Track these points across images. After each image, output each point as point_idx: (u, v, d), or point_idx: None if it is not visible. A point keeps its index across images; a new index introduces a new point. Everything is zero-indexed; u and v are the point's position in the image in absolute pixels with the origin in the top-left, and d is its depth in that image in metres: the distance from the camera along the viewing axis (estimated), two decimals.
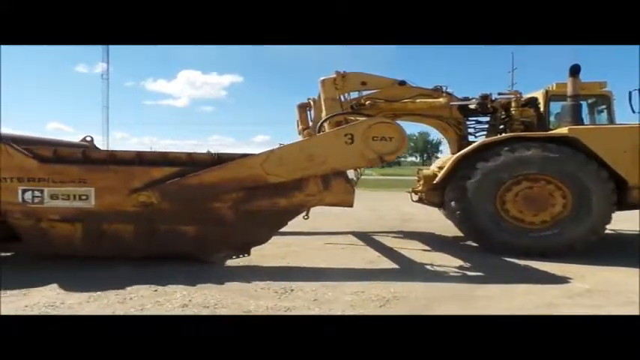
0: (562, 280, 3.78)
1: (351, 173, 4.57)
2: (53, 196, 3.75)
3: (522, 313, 2.81)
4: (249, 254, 4.12)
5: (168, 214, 3.88)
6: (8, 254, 4.24)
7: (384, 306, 3.00)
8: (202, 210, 3.93)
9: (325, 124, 4.45)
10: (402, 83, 5.46)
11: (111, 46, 34.93)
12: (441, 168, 5.61)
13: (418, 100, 5.25)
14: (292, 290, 3.34)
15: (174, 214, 3.89)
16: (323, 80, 4.43)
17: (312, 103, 6.24)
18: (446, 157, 6.10)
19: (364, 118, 4.12)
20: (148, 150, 4.12)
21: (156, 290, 3.26)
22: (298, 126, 6.49)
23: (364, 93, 5.47)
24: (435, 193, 5.33)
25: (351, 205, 4.23)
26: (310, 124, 6.42)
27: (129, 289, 3.25)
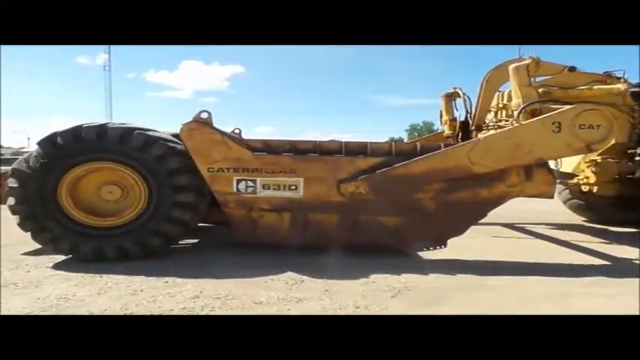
0: None
1: (551, 163, 4.37)
2: (265, 186, 3.82)
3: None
4: (445, 246, 4.02)
5: (371, 204, 3.85)
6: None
7: None
8: (404, 200, 3.87)
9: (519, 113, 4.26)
10: (572, 69, 5.17)
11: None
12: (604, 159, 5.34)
13: (595, 87, 4.94)
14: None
15: (377, 204, 3.85)
16: (517, 66, 4.25)
17: (459, 92, 6.07)
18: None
19: (571, 106, 3.90)
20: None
21: (167, 282, 3.21)
22: (442, 116, 6.33)
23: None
24: (611, 186, 5.04)
25: (551, 197, 4.05)
26: (456, 114, 6.26)
27: (138, 280, 3.22)
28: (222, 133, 3.80)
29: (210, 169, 3.77)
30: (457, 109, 6.23)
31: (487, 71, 5.38)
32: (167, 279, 3.24)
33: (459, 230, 4.04)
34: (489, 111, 5.64)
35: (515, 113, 4.14)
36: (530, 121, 3.89)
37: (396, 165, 3.78)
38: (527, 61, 4.27)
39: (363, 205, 3.86)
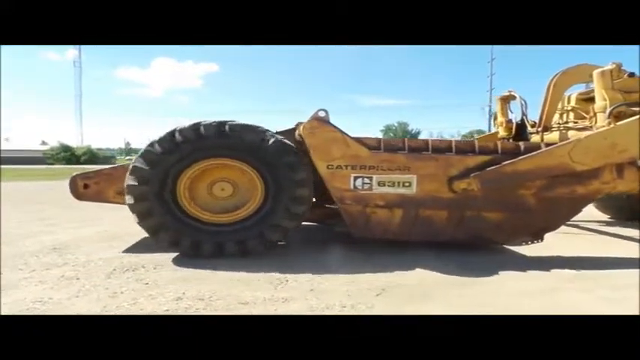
0: None
1: None
2: (380, 183, 3.94)
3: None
4: (542, 240, 4.24)
5: (478, 200, 4.02)
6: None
7: None
8: (509, 196, 4.06)
9: (602, 115, 4.53)
10: (632, 75, 5.46)
11: None
12: None
13: None
14: None
15: (484, 200, 4.03)
16: (602, 71, 4.52)
17: (514, 95, 6.33)
18: None
19: None
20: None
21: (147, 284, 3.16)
22: (496, 118, 6.57)
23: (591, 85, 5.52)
24: None
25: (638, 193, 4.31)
26: (510, 116, 6.52)
27: (116, 282, 3.18)
28: (342, 132, 3.91)
29: (330, 167, 3.87)
30: (512, 112, 6.49)
31: (553, 75, 5.64)
32: (148, 281, 3.21)
33: (555, 225, 4.26)
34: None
35: (605, 115, 4.39)
36: (625, 121, 4.13)
37: (505, 163, 3.96)
38: (610, 67, 4.53)
39: (471, 201, 4.03)
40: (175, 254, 3.86)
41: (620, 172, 4.16)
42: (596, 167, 4.09)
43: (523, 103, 6.20)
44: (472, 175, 3.92)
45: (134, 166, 3.79)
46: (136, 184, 3.75)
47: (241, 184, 4.04)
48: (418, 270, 3.58)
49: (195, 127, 3.78)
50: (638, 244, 4.93)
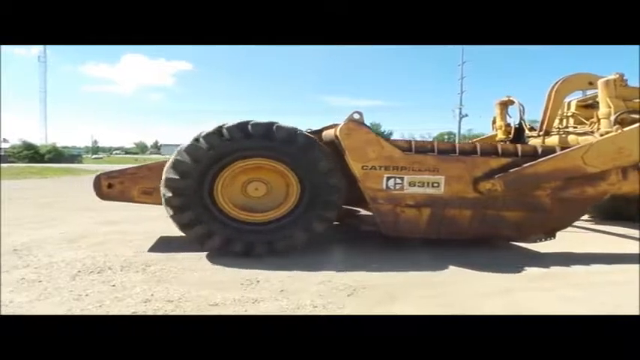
0: None
1: None
2: (411, 183, 4.11)
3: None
4: (554, 238, 4.53)
5: (499, 200, 4.26)
6: None
7: None
8: (526, 197, 4.32)
9: (605, 121, 4.88)
10: None
11: None
12: None
13: None
14: None
15: (504, 200, 4.27)
16: (606, 81, 4.88)
17: (513, 100, 6.67)
18: None
19: None
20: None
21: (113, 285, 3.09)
22: (495, 122, 6.90)
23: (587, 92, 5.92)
24: None
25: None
26: (509, 120, 6.86)
27: (81, 284, 3.09)
28: (376, 133, 4.06)
29: (364, 167, 4.01)
30: (510, 116, 6.83)
31: (554, 82, 5.99)
32: (114, 282, 3.16)
33: (566, 224, 4.57)
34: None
35: (611, 121, 4.74)
36: (631, 128, 4.48)
37: (526, 165, 4.22)
38: (614, 77, 4.89)
39: (492, 201, 4.26)
40: (144, 254, 3.91)
41: (625, 174, 4.50)
42: (604, 170, 4.42)
43: (521, 108, 6.55)
44: (496, 176, 4.16)
45: (177, 160, 3.81)
46: (177, 177, 3.77)
47: (275, 185, 4.13)
48: (389, 273, 3.59)
49: (243, 125, 3.85)
50: (614, 238, 5.30)
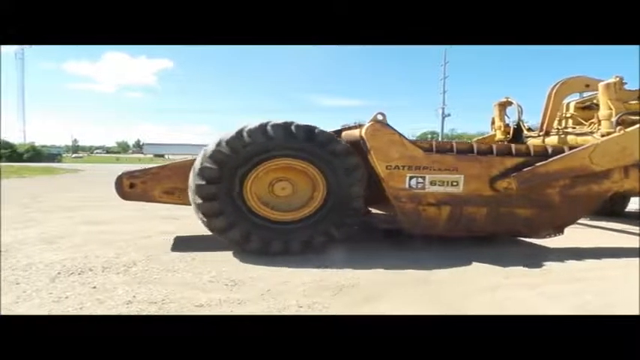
0: None
1: None
2: (432, 182, 4.29)
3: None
4: (562, 233, 4.77)
5: (512, 198, 4.48)
6: None
7: None
8: (539, 194, 4.55)
9: (606, 122, 5.16)
10: None
11: None
12: None
13: None
14: None
15: (517, 198, 4.49)
16: (607, 84, 5.16)
17: (512, 101, 6.93)
18: None
19: None
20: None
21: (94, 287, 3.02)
22: (494, 123, 7.15)
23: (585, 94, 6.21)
24: None
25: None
26: (507, 120, 7.12)
27: (60, 286, 3.03)
28: (400, 134, 4.21)
29: (388, 167, 4.16)
30: (509, 117, 7.09)
31: (554, 84, 6.26)
32: (95, 284, 3.08)
33: (574, 220, 4.82)
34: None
35: (613, 122, 5.01)
36: (633, 128, 4.75)
37: (539, 164, 4.44)
38: (614, 80, 5.17)
39: (507, 199, 4.47)
40: (128, 255, 3.93)
41: (626, 173, 4.78)
42: (609, 168, 4.68)
43: (520, 109, 6.81)
44: (512, 175, 4.36)
45: (203, 166, 3.88)
46: (204, 183, 3.85)
47: (300, 185, 4.24)
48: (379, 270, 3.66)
49: (262, 128, 3.94)
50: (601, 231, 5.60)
